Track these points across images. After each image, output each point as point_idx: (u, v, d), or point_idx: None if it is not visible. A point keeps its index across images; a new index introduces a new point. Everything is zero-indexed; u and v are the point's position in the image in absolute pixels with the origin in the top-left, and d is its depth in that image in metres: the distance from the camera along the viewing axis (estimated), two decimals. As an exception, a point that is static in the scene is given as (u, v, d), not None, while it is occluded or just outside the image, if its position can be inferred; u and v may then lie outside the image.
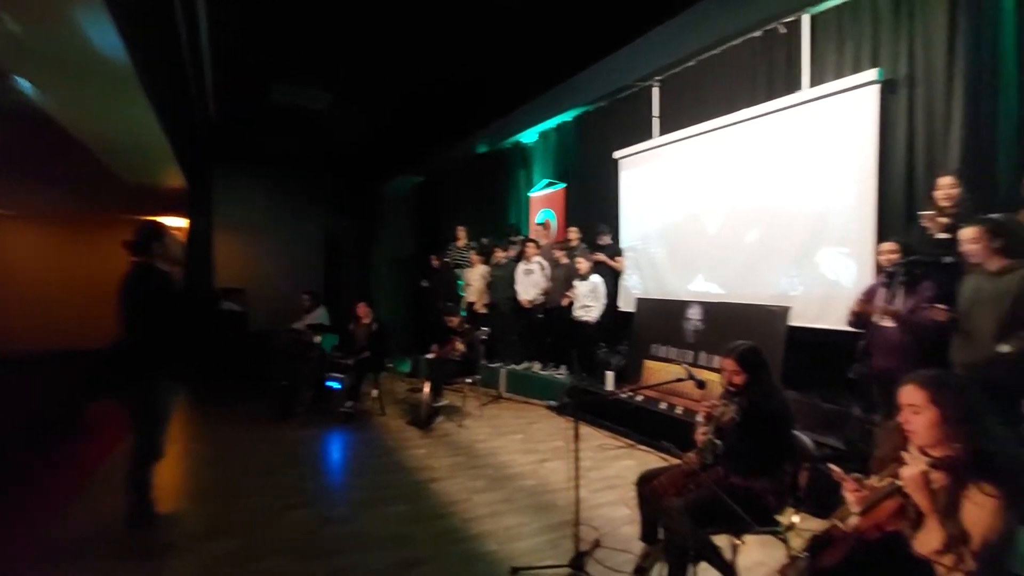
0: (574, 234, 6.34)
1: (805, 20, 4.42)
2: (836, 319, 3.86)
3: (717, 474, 2.20)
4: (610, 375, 5.40)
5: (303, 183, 10.83)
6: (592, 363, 5.74)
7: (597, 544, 2.79)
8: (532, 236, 7.08)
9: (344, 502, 3.47)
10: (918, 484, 1.50)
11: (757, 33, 4.78)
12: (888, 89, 3.88)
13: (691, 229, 5.31)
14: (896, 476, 1.57)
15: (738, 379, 2.24)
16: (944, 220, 3.17)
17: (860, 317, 3.32)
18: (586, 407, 5.10)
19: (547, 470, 4.03)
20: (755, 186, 4.71)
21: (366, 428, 5.22)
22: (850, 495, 1.69)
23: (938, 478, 1.50)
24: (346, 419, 5.35)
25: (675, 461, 2.53)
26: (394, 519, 3.17)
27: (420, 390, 5.85)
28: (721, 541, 2.17)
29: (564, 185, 7.18)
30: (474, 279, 7.09)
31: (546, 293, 6.37)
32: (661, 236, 5.66)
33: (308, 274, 10.39)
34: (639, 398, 4.81)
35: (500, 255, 7.04)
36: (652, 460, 4.20)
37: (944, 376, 1.62)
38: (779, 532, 2.10)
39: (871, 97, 3.89)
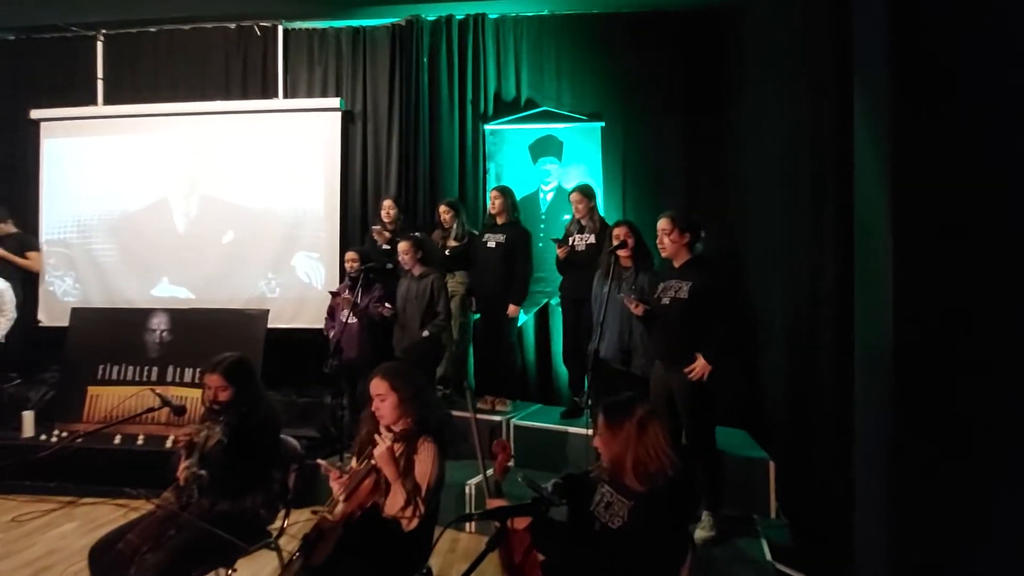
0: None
1: (280, 31, 4.58)
2: (310, 318, 4.28)
3: (202, 507, 1.94)
4: (28, 416, 3.93)
5: None
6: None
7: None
8: None
9: None
10: (386, 458, 1.79)
11: (231, 25, 4.60)
12: (348, 119, 4.53)
13: (154, 224, 4.58)
14: (371, 457, 1.83)
15: (224, 395, 2.06)
16: (387, 234, 3.97)
17: (332, 315, 3.73)
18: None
19: None
20: (232, 184, 4.52)
21: None
22: (335, 484, 1.85)
23: (399, 448, 1.85)
24: None
25: (147, 506, 2.08)
26: None
27: None
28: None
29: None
30: None
31: None
32: (110, 229, 4.62)
33: None
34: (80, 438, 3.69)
35: None
36: (106, 514, 3.34)
37: (396, 366, 2.01)
38: (271, 543, 2.07)
39: (335, 122, 4.45)
